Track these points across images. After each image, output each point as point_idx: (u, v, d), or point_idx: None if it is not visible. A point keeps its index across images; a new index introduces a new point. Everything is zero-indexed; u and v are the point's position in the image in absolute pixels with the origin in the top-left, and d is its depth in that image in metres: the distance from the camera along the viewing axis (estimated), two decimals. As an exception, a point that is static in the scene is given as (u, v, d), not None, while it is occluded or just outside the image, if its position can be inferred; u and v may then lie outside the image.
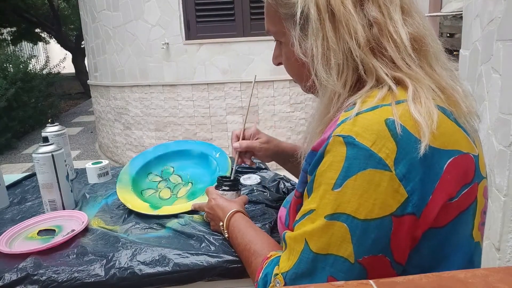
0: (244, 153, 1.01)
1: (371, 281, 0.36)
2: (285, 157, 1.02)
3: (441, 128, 0.55)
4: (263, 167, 1.37)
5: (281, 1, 0.67)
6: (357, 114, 0.56)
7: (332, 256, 0.54)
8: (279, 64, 0.77)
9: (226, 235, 0.86)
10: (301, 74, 0.70)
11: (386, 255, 0.54)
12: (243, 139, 1.00)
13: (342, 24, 0.60)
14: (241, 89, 4.02)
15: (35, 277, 0.79)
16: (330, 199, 0.55)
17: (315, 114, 0.67)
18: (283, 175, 1.28)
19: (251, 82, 3.96)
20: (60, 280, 0.78)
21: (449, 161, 0.55)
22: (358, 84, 0.62)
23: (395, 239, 0.53)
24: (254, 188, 1.18)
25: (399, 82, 0.59)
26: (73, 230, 0.94)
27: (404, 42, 0.59)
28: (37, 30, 10.70)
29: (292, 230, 0.61)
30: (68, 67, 9.60)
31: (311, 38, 0.62)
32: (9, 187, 1.29)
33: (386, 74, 0.59)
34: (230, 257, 0.83)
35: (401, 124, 0.53)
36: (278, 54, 0.76)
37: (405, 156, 0.52)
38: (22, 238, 0.95)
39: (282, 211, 0.75)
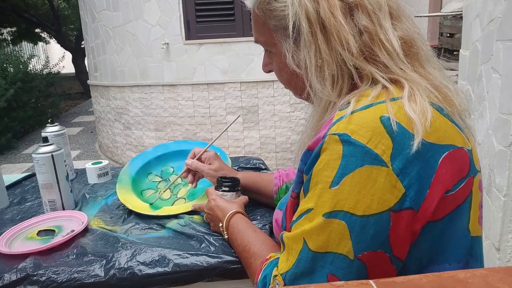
0: (193, 171, 1.06)
1: (371, 281, 0.36)
2: None
3: (435, 124, 0.56)
4: (263, 167, 1.37)
5: (270, 13, 0.66)
6: (352, 113, 0.56)
7: (331, 254, 0.54)
8: (269, 71, 0.77)
9: (226, 236, 0.86)
10: (295, 84, 0.70)
11: (385, 251, 0.54)
12: (199, 159, 1.04)
13: (333, 36, 0.60)
14: (241, 89, 4.02)
15: (35, 277, 0.79)
16: (327, 197, 0.55)
17: (310, 123, 0.67)
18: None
19: (251, 82, 3.96)
20: (59, 281, 0.78)
21: (444, 155, 0.55)
22: (353, 89, 0.62)
23: (393, 235, 0.54)
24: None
25: (394, 82, 0.60)
26: (72, 231, 0.94)
27: (396, 49, 0.60)
28: (37, 30, 10.69)
29: (290, 231, 0.61)
30: (68, 67, 9.60)
31: (304, 51, 0.62)
32: (9, 187, 1.29)
33: (382, 77, 0.59)
34: (230, 258, 0.83)
35: (396, 121, 0.54)
36: (268, 62, 0.76)
37: (401, 152, 0.53)
38: (22, 239, 0.95)
39: (278, 214, 0.75)
